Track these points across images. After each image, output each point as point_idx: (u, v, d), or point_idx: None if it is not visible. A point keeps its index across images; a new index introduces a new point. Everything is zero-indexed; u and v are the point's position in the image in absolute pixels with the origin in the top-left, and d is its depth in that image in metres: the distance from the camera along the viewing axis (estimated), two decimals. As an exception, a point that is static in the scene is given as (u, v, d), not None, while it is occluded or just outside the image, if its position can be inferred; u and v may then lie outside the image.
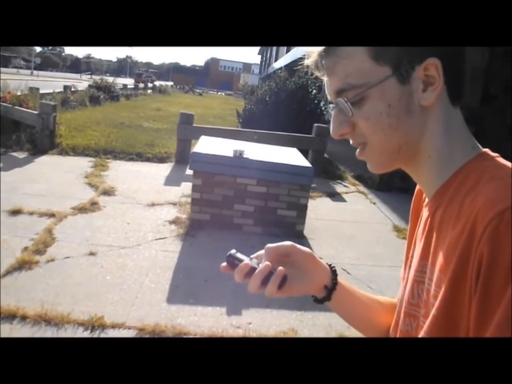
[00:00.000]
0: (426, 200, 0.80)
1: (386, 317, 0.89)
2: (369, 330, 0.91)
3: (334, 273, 0.86)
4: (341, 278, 0.86)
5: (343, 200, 6.97)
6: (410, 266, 0.81)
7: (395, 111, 0.68)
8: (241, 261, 0.79)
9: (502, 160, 0.67)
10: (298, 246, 0.83)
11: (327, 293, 0.84)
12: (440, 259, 0.64)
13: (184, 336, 2.91)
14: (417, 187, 0.90)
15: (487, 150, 0.71)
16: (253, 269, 0.77)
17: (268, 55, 46.03)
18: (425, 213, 0.75)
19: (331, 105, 0.74)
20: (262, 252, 0.82)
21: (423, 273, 0.70)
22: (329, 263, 0.87)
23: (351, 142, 0.74)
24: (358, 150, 0.74)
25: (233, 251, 0.81)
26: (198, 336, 2.95)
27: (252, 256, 0.81)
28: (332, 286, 0.84)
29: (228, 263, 0.80)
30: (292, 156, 5.45)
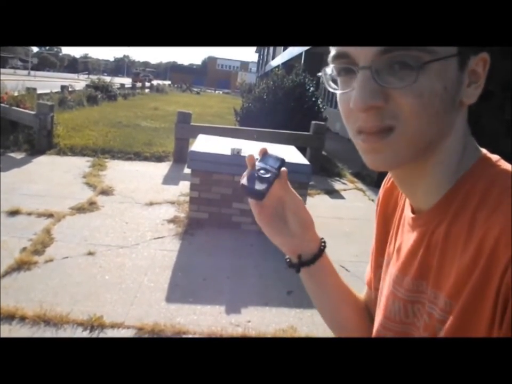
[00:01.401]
0: (407, 206, 0.72)
1: (356, 315, 0.86)
2: (332, 322, 0.88)
3: (320, 251, 0.80)
4: (325, 260, 0.81)
5: (342, 198, 6.98)
6: (386, 278, 0.75)
7: (447, 98, 0.56)
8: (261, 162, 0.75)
9: (506, 164, 0.60)
10: (306, 208, 0.80)
11: (298, 264, 0.80)
12: (447, 283, 0.57)
13: (184, 336, 2.91)
14: (385, 187, 0.85)
15: (486, 151, 0.64)
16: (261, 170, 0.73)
17: (265, 53, 46.03)
18: (416, 227, 0.66)
19: (359, 68, 0.56)
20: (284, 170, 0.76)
21: (420, 293, 0.64)
22: (322, 240, 0.82)
23: (367, 124, 0.58)
24: (370, 137, 0.58)
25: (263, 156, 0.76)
26: (197, 334, 2.95)
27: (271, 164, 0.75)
28: (306, 261, 0.79)
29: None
30: (290, 154, 5.45)
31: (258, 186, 0.71)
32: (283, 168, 0.76)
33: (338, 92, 0.62)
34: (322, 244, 0.82)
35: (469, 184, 0.60)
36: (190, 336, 2.92)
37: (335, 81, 0.63)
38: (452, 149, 0.62)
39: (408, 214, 0.71)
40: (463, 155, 0.62)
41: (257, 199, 0.73)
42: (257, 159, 0.76)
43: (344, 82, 0.61)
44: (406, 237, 0.70)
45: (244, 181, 0.72)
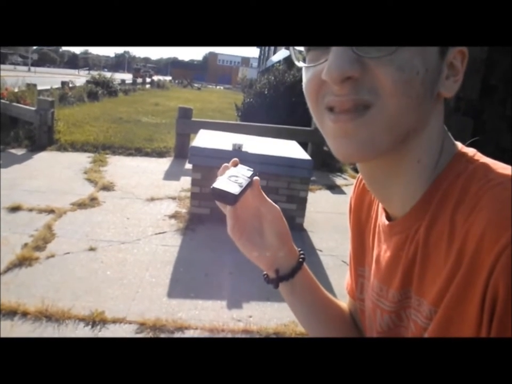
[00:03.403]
0: (380, 212, 0.68)
1: (342, 328, 0.82)
2: (317, 336, 0.81)
3: (299, 264, 0.75)
4: (305, 273, 0.76)
5: (343, 193, 6.97)
6: (368, 290, 0.72)
7: (428, 83, 0.52)
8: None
9: (483, 158, 0.57)
10: (284, 219, 0.74)
11: (276, 279, 0.74)
12: (430, 289, 0.55)
13: (185, 331, 2.92)
14: (356, 192, 0.81)
15: (461, 145, 0.61)
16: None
17: (266, 49, 45.93)
18: (394, 235, 0.63)
19: None
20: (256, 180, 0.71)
21: (409, 298, 0.61)
22: (301, 252, 0.76)
23: (341, 97, 0.52)
24: (342, 115, 0.53)
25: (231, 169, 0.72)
26: (199, 329, 2.95)
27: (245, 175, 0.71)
28: (285, 275, 0.74)
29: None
30: (291, 149, 5.44)
31: (231, 189, 0.67)
32: (255, 177, 0.71)
33: (306, 66, 0.57)
34: (301, 257, 0.76)
35: (446, 184, 0.56)
36: (192, 330, 2.93)
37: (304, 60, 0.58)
38: (430, 145, 0.58)
39: (383, 221, 0.67)
40: (440, 153, 0.59)
41: (229, 203, 0.68)
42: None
43: (313, 58, 0.56)
44: (383, 246, 0.67)
45: (215, 183, 0.67)
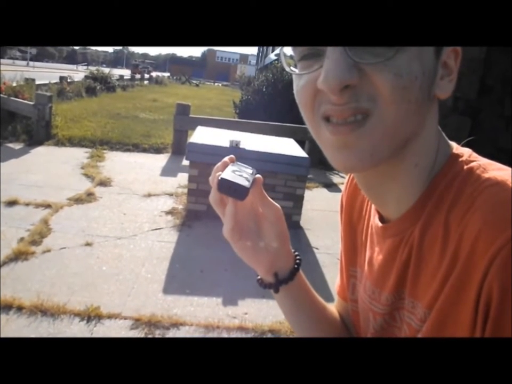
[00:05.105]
0: (373, 213, 0.67)
1: (335, 331, 0.79)
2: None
3: (296, 267, 0.71)
4: (301, 276, 0.73)
5: (339, 191, 6.96)
6: (360, 291, 0.71)
7: (425, 86, 0.51)
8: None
9: (478, 159, 0.56)
10: (284, 220, 0.69)
11: (276, 283, 0.70)
12: (425, 292, 0.54)
13: (180, 332, 2.92)
14: (347, 192, 0.79)
15: (456, 145, 0.60)
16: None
17: (265, 46, 45.82)
18: (388, 237, 0.62)
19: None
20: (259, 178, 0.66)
21: (402, 299, 0.60)
22: (297, 254, 0.73)
23: (340, 106, 0.50)
24: (341, 127, 0.51)
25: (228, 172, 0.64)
26: (194, 326, 2.96)
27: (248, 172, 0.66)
28: (284, 278, 0.70)
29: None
30: (288, 147, 5.45)
31: (242, 182, 0.61)
32: (257, 175, 0.66)
33: (299, 73, 0.55)
34: (298, 258, 0.72)
35: (441, 186, 0.55)
36: (187, 327, 2.93)
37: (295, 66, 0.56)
38: (426, 148, 0.57)
39: (376, 223, 0.66)
40: (437, 155, 0.57)
41: (239, 197, 0.62)
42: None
43: (305, 66, 0.54)
44: (376, 248, 0.65)
45: (223, 175, 0.62)
